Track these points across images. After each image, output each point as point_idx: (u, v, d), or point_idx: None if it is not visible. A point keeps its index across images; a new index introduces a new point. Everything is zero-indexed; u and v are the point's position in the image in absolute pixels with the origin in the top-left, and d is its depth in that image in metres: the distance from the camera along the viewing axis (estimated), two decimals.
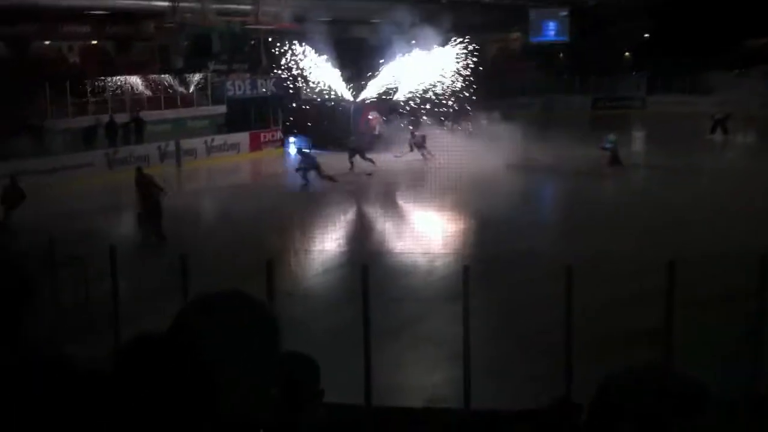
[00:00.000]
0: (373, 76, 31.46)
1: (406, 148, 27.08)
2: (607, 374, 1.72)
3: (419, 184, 23.79)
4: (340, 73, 31.41)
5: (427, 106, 30.29)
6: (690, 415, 1.67)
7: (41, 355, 1.60)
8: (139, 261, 14.09)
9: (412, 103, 30.53)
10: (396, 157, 26.48)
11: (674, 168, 24.77)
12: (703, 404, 1.75)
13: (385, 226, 19.89)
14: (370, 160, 25.33)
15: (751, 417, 6.93)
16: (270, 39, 35.63)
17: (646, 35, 49.24)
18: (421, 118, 29.76)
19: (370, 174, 25.05)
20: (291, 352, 3.01)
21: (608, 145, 25.22)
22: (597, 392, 1.72)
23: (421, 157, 26.79)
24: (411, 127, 28.14)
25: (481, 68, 31.05)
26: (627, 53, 50.47)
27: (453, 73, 30.80)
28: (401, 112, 30.31)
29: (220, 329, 1.65)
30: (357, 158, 25.49)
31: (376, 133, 30.18)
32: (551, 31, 50.74)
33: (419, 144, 27.09)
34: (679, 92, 42.44)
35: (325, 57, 30.91)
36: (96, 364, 1.59)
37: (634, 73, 46.16)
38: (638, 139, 34.76)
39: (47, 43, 34.10)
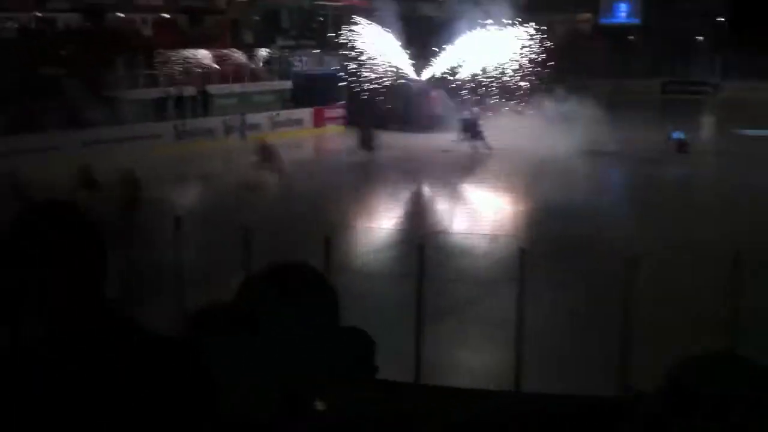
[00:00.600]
0: (438, 55, 31.32)
1: (459, 135, 26.27)
2: (677, 362, 1.67)
3: (481, 168, 23.73)
4: (406, 51, 31.36)
5: (493, 87, 30.07)
6: (762, 403, 1.65)
7: (115, 317, 1.62)
8: (204, 233, 14.43)
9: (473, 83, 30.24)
10: (444, 152, 25.61)
11: (742, 154, 24.16)
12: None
13: (446, 206, 19.96)
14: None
15: None
16: (338, 15, 35.80)
17: (722, 18, 47.76)
18: (482, 99, 29.39)
19: (490, 149, 25.18)
20: (348, 327, 3.13)
21: (675, 136, 24.78)
22: (667, 380, 1.65)
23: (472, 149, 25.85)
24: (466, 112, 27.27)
25: (549, 49, 30.65)
26: (701, 36, 49.05)
27: (520, 54, 30.48)
28: (465, 93, 30.05)
29: (284, 299, 1.69)
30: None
31: (439, 113, 30.08)
32: (623, 12, 49.66)
33: (472, 131, 26.01)
34: (755, 78, 41.13)
35: (392, 35, 30.88)
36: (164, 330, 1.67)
37: (707, 59, 44.85)
38: (708, 125, 33.94)
39: (122, 15, 34.86)
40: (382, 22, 30.97)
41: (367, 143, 24.58)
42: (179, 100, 27.96)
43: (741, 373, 1.67)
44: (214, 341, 1.62)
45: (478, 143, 25.80)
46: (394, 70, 31.07)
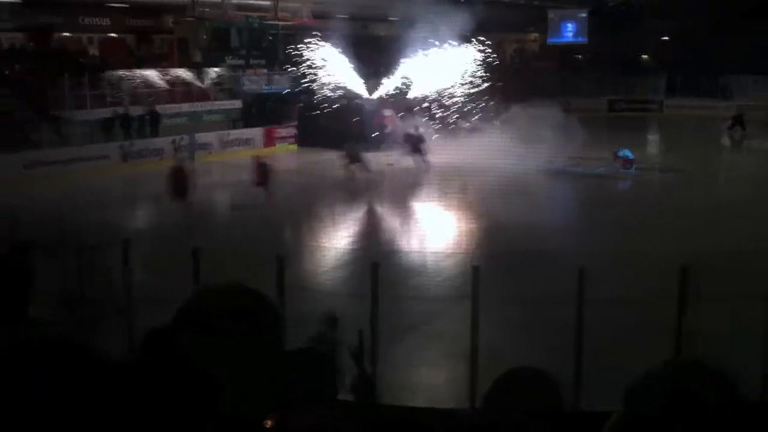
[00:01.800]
0: (389, 74, 31.46)
1: (401, 150, 26.10)
2: (641, 376, 1.65)
3: (430, 186, 23.81)
4: (356, 70, 31.42)
5: (442, 106, 30.26)
6: (727, 410, 1.63)
7: (50, 339, 1.55)
8: (152, 253, 14.18)
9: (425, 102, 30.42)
10: (388, 165, 25.65)
11: (688, 171, 24.68)
12: (738, 397, 1.74)
13: (395, 224, 19.95)
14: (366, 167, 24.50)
15: None
16: (288, 35, 35.77)
17: (665, 38, 48.97)
18: (432, 118, 29.55)
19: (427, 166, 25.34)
20: (305, 348, 3.05)
21: (621, 154, 25.20)
22: (629, 396, 1.64)
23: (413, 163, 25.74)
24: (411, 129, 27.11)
25: (498, 67, 31.03)
26: (645, 56, 50.22)
27: (471, 72, 30.77)
28: (416, 112, 30.19)
29: (222, 322, 1.63)
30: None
31: (389, 131, 30.14)
32: (570, 32, 50.60)
33: (414, 147, 25.83)
34: (697, 96, 42.17)
35: (342, 54, 30.93)
36: (106, 353, 1.59)
37: (652, 76, 45.84)
38: (653, 142, 34.65)
39: (68, 34, 34.34)
40: (332, 42, 31.00)
41: (356, 160, 24.35)
42: (126, 120, 27.53)
43: (708, 381, 1.65)
44: (152, 367, 1.56)
45: (419, 158, 25.80)
46: (346, 89, 31.06)
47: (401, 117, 29.38)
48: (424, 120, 28.78)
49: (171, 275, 10.62)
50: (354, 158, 24.17)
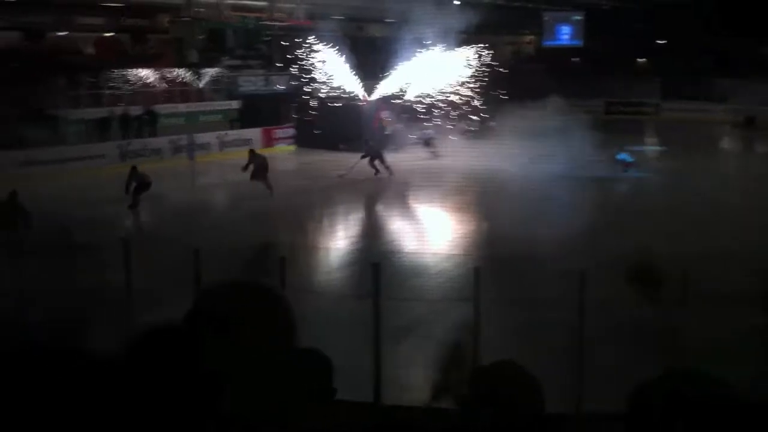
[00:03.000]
0: (385, 76, 31.46)
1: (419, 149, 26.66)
2: (641, 383, 1.68)
3: (431, 185, 23.80)
4: (353, 71, 31.42)
5: (438, 107, 30.29)
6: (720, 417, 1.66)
7: (50, 341, 1.54)
8: (150, 254, 14.12)
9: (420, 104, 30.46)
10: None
11: (686, 173, 24.73)
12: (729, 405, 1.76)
13: (396, 225, 19.93)
14: (387, 168, 24.81)
15: None
16: (284, 36, 35.73)
17: (661, 41, 49.10)
18: (431, 119, 29.64)
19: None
20: (304, 348, 3.02)
21: (620, 158, 25.23)
22: (634, 403, 1.65)
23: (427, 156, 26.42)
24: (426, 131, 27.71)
25: (495, 69, 31.05)
26: (641, 58, 50.33)
27: (468, 74, 30.81)
28: (413, 113, 30.22)
29: (235, 318, 1.63)
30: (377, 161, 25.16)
31: (387, 133, 30.18)
32: (565, 34, 50.69)
33: (427, 142, 26.56)
34: (692, 99, 42.31)
35: (338, 55, 30.92)
36: (108, 353, 1.56)
37: (647, 79, 45.94)
38: (651, 144, 34.69)
39: (63, 34, 34.25)
40: (328, 43, 30.99)
41: (377, 158, 24.60)
42: (124, 119, 27.46)
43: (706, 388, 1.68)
44: (154, 365, 1.52)
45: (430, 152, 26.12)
46: (343, 90, 31.07)
47: (399, 119, 29.42)
48: (425, 120, 28.86)
49: (170, 275, 10.60)
50: (375, 157, 24.29)
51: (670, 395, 1.62)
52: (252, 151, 22.66)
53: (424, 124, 27.70)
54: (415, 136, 27.15)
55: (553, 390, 2.12)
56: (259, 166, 21.30)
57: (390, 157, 25.59)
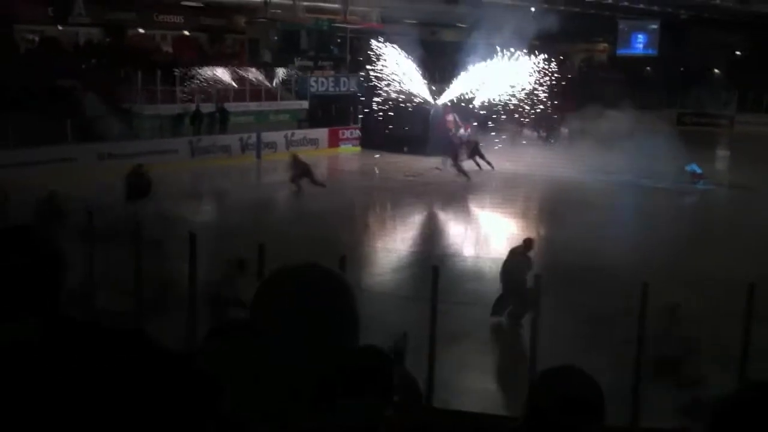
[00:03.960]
0: (454, 80, 31.43)
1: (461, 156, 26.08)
2: (722, 396, 1.64)
3: (495, 193, 23.73)
4: (422, 75, 31.49)
5: (507, 113, 30.14)
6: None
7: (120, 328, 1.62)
8: (219, 249, 14.43)
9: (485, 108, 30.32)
10: (437, 169, 25.80)
11: (757, 188, 24.05)
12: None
13: (455, 229, 19.94)
14: (464, 173, 24.96)
15: None
16: (357, 38, 36.05)
17: (738, 52, 47.84)
18: (496, 125, 29.45)
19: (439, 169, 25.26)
20: (367, 345, 3.09)
21: (690, 169, 24.71)
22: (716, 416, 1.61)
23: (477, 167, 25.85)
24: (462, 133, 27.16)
25: (566, 77, 30.74)
26: (717, 70, 49.11)
27: (537, 81, 30.56)
28: (479, 118, 30.11)
29: (303, 305, 1.61)
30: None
31: (452, 136, 30.17)
32: (640, 43, 49.77)
33: (473, 151, 26.05)
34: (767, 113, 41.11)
35: (409, 59, 31.03)
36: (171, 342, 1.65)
37: (723, 92, 44.78)
38: (723, 158, 33.84)
39: (142, 31, 35.24)
40: (400, 46, 31.12)
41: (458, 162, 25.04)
42: (196, 116, 28.12)
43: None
44: (226, 349, 1.60)
45: (482, 161, 25.79)
46: (411, 93, 31.15)
47: (466, 124, 29.31)
48: (489, 126, 28.61)
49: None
50: (458, 160, 24.79)
51: (756, 409, 1.54)
52: (295, 157, 22.81)
53: (490, 131, 27.44)
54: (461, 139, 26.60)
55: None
56: (301, 172, 21.70)
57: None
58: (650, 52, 49.24)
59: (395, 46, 30.97)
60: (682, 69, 46.37)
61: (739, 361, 8.17)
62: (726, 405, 1.59)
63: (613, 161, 24.63)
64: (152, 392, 1.49)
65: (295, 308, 1.60)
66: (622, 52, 50.46)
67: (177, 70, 29.51)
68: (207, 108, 28.81)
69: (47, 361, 1.52)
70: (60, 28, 31.87)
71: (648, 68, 50.08)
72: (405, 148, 28.85)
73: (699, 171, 24.68)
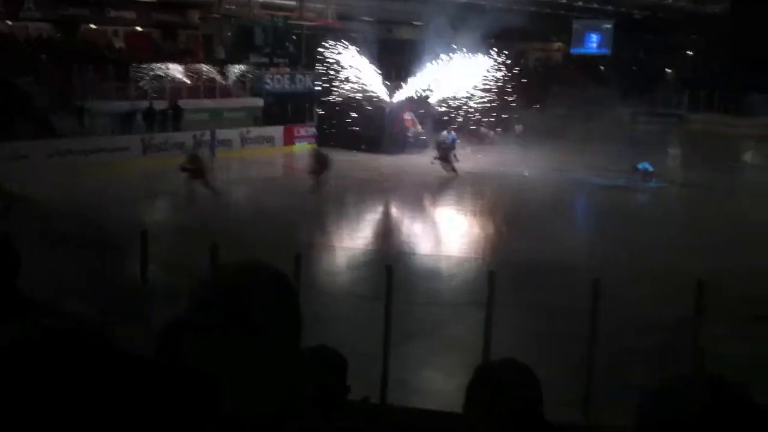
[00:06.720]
0: (410, 79, 31.50)
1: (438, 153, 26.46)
2: (648, 390, 1.60)
3: (451, 190, 23.82)
4: (378, 73, 31.50)
5: (461, 112, 30.29)
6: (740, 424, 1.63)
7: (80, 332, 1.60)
8: (169, 248, 14.26)
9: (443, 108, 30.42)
10: (432, 162, 26.00)
11: (708, 186, 24.54)
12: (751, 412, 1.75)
13: (411, 227, 19.98)
14: (453, 169, 25.14)
15: None
16: (312, 35, 35.92)
17: (691, 52, 48.76)
18: (453, 124, 29.54)
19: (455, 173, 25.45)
20: (319, 345, 3.04)
21: (641, 167, 25.07)
22: (642, 410, 1.58)
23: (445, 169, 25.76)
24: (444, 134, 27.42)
25: (521, 76, 31.01)
26: (669, 70, 50.01)
27: (493, 80, 30.76)
28: (436, 116, 30.22)
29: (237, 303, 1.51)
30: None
31: (409, 135, 30.27)
32: (593, 43, 50.46)
33: (444, 154, 25.81)
34: (719, 112, 41.96)
35: (364, 56, 31.01)
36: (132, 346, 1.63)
37: (674, 91, 45.62)
38: (675, 156, 34.50)
39: (94, 27, 34.66)
40: (355, 43, 31.09)
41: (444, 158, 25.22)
42: (149, 113, 27.75)
43: (717, 394, 1.67)
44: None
45: (447, 166, 25.80)
46: (367, 91, 31.13)
47: (421, 122, 29.48)
48: (448, 125, 28.61)
49: (187, 269, 10.71)
50: (444, 156, 24.93)
51: (681, 402, 1.54)
52: (316, 150, 23.79)
53: (449, 128, 27.42)
54: (440, 140, 26.68)
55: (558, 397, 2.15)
56: (321, 166, 21.84)
57: (407, 159, 25.69)
58: (604, 51, 49.98)
59: (348, 44, 30.93)
60: (635, 68, 47.11)
61: (690, 354, 8.28)
62: (649, 399, 1.58)
63: (566, 159, 24.91)
64: (150, 396, 1.46)
65: (235, 305, 1.51)
66: (576, 51, 51.11)
67: (130, 66, 29.10)
68: (160, 105, 28.45)
69: (45, 363, 1.48)
70: (9, 23, 31.19)
71: (602, 68, 50.82)
72: (362, 146, 28.82)
73: (651, 169, 25.07)
